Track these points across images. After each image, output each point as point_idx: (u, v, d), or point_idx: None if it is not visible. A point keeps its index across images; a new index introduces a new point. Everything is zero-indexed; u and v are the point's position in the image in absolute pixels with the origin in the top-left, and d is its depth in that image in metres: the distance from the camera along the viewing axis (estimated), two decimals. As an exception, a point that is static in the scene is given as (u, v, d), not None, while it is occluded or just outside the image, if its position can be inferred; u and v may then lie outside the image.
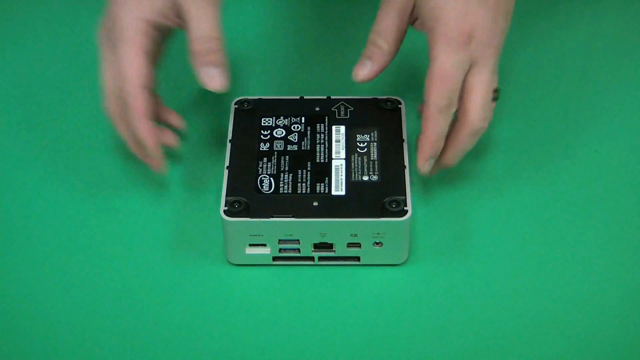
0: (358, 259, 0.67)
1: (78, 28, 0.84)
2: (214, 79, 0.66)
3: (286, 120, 0.71)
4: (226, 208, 0.65)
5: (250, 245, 0.66)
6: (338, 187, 0.67)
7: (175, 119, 0.73)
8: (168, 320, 0.65)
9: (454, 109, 0.66)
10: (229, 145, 0.69)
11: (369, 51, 0.68)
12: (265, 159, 0.68)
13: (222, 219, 0.65)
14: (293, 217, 0.65)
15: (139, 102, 0.66)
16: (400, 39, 0.68)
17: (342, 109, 0.72)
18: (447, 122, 0.66)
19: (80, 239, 0.69)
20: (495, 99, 0.68)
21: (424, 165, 0.67)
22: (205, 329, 0.64)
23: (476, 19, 0.65)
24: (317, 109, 0.72)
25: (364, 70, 0.68)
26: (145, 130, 0.66)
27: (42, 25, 0.85)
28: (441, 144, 0.67)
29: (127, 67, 0.66)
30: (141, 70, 0.66)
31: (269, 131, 0.70)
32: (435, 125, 0.65)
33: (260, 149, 0.69)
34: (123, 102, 0.66)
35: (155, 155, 0.67)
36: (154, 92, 0.69)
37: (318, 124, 0.71)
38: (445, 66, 0.64)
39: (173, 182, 0.72)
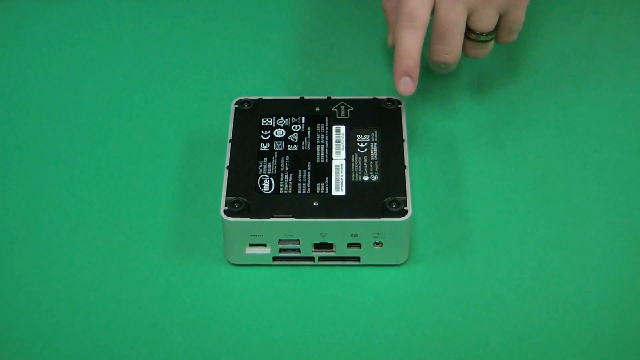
0: (358, 259, 0.67)
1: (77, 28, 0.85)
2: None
3: (286, 120, 0.71)
4: (226, 208, 0.65)
5: (250, 245, 0.66)
6: (338, 187, 0.67)
7: None
8: (168, 321, 0.65)
9: (417, 23, 0.68)
10: (229, 145, 0.69)
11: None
12: (265, 159, 0.68)
13: (222, 219, 0.65)
14: (293, 217, 0.65)
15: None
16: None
17: (342, 109, 0.72)
18: (411, 37, 0.68)
19: (80, 239, 0.69)
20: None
21: (399, 83, 0.69)
22: (205, 329, 0.64)
23: None
24: (317, 109, 0.72)
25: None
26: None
27: (42, 25, 0.85)
28: (410, 61, 0.69)
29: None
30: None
31: (269, 131, 0.70)
32: (398, 41, 0.69)
33: (261, 149, 0.69)
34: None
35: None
36: None
37: (318, 124, 0.71)
38: None
39: (173, 182, 0.72)
